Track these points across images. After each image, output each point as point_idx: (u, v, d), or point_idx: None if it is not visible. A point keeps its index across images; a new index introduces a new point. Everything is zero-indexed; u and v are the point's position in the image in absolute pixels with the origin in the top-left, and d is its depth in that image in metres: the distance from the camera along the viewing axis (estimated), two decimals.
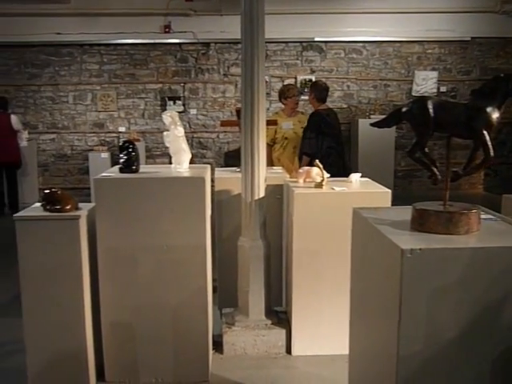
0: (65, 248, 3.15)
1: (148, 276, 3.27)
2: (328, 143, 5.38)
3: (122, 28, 9.55)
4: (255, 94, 3.57)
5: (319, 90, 5.66)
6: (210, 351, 3.53)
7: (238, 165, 4.64)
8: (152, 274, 3.27)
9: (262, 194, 3.66)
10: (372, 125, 2.41)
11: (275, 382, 3.42)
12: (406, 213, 2.22)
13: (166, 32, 9.71)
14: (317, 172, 3.80)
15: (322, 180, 3.73)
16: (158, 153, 10.08)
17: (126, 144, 3.38)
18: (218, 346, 3.78)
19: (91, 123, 10.13)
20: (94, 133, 10.14)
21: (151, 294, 3.29)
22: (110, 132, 10.13)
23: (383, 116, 2.45)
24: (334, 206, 3.56)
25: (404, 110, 2.24)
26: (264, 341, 3.73)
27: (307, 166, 4.81)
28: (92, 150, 9.89)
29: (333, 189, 3.67)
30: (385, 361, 2.05)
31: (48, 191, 3.25)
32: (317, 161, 3.82)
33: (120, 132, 10.09)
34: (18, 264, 3.23)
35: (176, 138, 3.51)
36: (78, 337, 3.25)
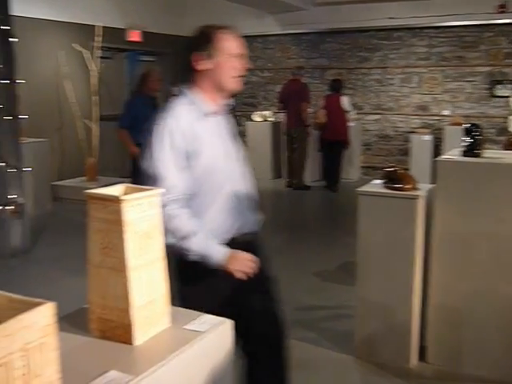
0: (402, 225, 3.24)
1: (484, 263, 3.16)
2: None
3: (454, 10, 9.27)
4: None
5: None
6: None
7: None
8: (489, 261, 3.15)
9: None
10: None
11: None
12: None
13: (500, 12, 9.10)
14: None
15: None
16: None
17: (472, 127, 3.29)
18: None
19: (415, 105, 10.15)
20: (416, 115, 10.15)
21: (486, 281, 3.18)
22: (432, 115, 10.02)
23: None
24: None
25: None
26: None
27: None
28: (414, 132, 9.92)
29: None
30: None
31: (390, 170, 3.38)
32: None
33: (443, 115, 9.90)
34: (357, 235, 3.42)
35: None
36: (405, 313, 3.33)
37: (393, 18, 9.69)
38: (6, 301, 1.25)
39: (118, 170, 9.20)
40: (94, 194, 1.45)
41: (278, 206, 8.70)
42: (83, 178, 8.36)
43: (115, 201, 1.41)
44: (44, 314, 1.18)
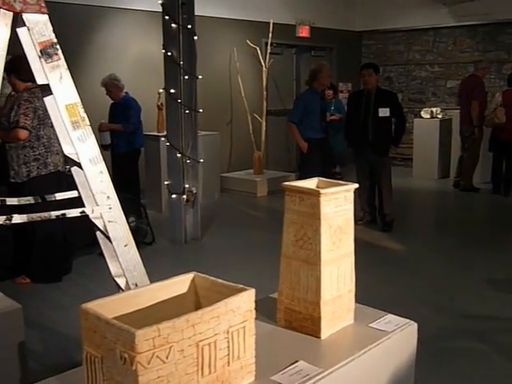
0: None
1: None
2: None
3: None
4: None
5: None
6: None
7: None
8: None
9: None
10: None
11: None
12: None
13: None
14: None
15: None
16: None
17: None
18: None
19: None
20: None
21: None
22: None
23: None
24: None
25: None
26: None
27: None
28: None
29: None
30: None
31: None
32: None
33: None
34: None
35: None
36: None
37: None
38: (210, 284, 1.32)
39: (283, 164, 9.40)
40: (292, 186, 1.48)
41: (445, 206, 8.31)
42: (250, 171, 8.65)
43: (314, 194, 1.42)
44: (246, 300, 1.23)
